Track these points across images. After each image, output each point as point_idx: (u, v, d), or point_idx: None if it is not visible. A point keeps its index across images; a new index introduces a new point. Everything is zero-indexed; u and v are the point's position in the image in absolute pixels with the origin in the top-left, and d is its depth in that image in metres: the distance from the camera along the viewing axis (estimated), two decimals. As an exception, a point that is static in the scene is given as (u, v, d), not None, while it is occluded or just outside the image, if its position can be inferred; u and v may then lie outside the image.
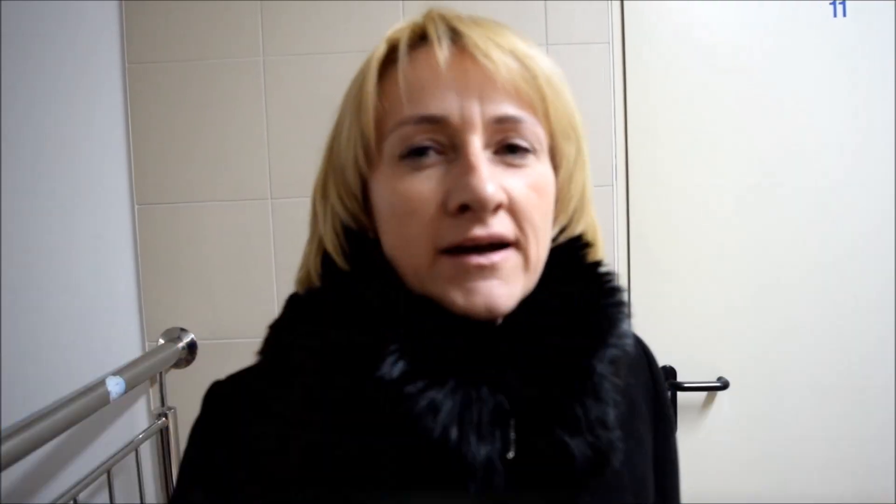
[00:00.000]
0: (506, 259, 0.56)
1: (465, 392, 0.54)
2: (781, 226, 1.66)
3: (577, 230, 0.65)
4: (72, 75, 1.63)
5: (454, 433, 0.52)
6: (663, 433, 0.76)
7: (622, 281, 0.65)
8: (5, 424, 1.09)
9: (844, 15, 1.63)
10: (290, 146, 1.63)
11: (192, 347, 1.65)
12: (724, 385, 1.65)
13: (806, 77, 1.65)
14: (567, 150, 0.62)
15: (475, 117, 0.56)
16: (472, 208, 0.54)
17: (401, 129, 0.57)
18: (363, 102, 0.60)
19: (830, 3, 1.63)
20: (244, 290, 1.65)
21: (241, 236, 1.65)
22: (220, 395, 0.66)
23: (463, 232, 0.55)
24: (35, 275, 1.65)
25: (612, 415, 0.58)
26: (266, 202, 1.64)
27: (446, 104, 0.56)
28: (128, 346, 1.66)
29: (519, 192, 0.57)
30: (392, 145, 0.58)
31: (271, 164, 1.64)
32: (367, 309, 0.57)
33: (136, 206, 1.64)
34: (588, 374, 0.58)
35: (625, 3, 1.64)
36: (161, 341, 1.64)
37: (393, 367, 0.53)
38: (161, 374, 1.60)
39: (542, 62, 0.59)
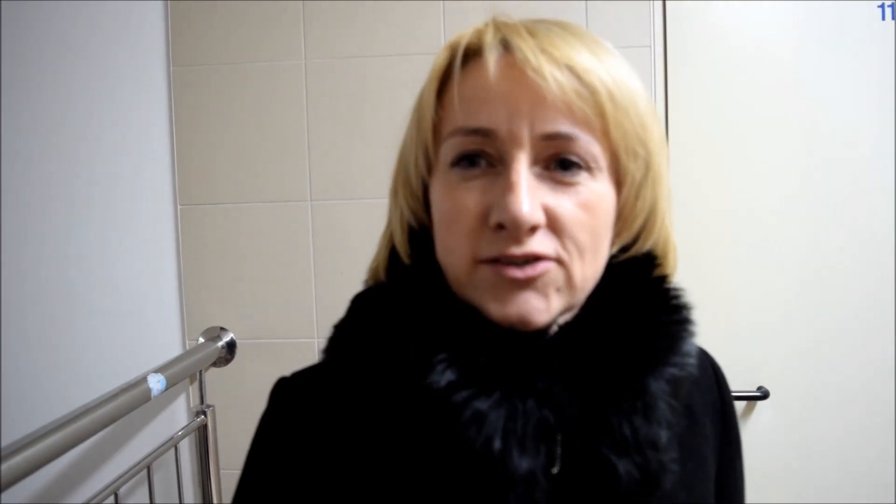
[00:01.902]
0: (543, 273, 0.55)
1: (510, 404, 0.54)
2: (824, 233, 1.62)
3: (644, 248, 0.63)
4: (119, 78, 1.67)
5: (497, 444, 0.52)
6: (729, 456, 0.73)
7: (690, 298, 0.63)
8: (50, 419, 1.11)
9: (893, 18, 1.59)
10: (331, 149, 1.65)
11: (231, 347, 1.67)
12: (764, 394, 1.62)
13: (852, 81, 1.61)
14: (632, 167, 0.58)
15: (522, 133, 0.55)
16: (508, 227, 0.54)
17: (453, 138, 0.57)
18: (423, 109, 0.61)
19: (879, 6, 1.60)
20: (283, 290, 1.67)
21: (280, 237, 1.66)
22: (286, 392, 0.67)
23: (500, 248, 0.55)
24: (80, 273, 1.69)
25: (663, 436, 0.57)
26: (306, 203, 1.65)
27: (495, 118, 0.55)
28: (169, 343, 1.69)
29: (565, 211, 0.55)
30: (445, 153, 0.58)
31: (311, 166, 1.65)
32: (419, 315, 0.58)
33: (179, 207, 1.67)
34: (639, 392, 0.57)
35: (667, 5, 1.62)
36: (201, 340, 1.67)
37: (442, 376, 0.54)
38: (201, 372, 1.62)
39: (606, 76, 0.56)
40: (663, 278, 0.64)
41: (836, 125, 1.62)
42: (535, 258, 0.55)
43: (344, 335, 0.66)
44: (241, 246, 1.67)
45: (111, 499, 1.27)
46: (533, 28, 0.57)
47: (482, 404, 0.53)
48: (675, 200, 1.70)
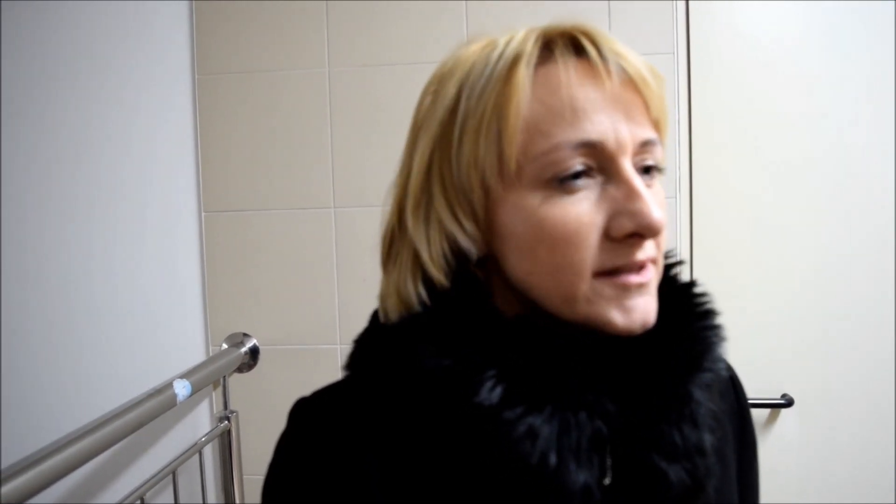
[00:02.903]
0: (653, 275, 0.57)
1: (562, 417, 0.53)
2: (851, 238, 1.61)
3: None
4: (144, 87, 1.69)
5: (553, 459, 0.52)
6: (747, 459, 0.74)
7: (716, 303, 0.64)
8: (75, 424, 1.13)
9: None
10: (354, 156, 1.65)
11: (254, 352, 1.68)
12: (788, 402, 1.60)
13: (873, 81, 1.59)
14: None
15: (627, 141, 0.55)
16: (642, 234, 0.54)
17: (555, 153, 0.54)
18: (507, 119, 0.55)
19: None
20: (306, 297, 1.68)
21: (304, 244, 1.67)
22: (306, 414, 0.64)
23: (625, 257, 0.55)
24: (104, 280, 1.71)
25: (708, 441, 0.58)
26: (329, 211, 1.66)
27: (603, 128, 0.54)
28: (192, 349, 1.70)
29: None
30: (540, 168, 0.55)
31: (335, 173, 1.66)
32: (465, 333, 0.56)
33: (203, 214, 1.69)
34: (686, 399, 0.57)
35: (690, 12, 1.61)
36: (224, 346, 1.68)
37: (491, 393, 0.53)
38: (224, 378, 1.63)
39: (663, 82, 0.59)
40: (692, 283, 0.65)
41: (860, 128, 1.60)
42: (646, 262, 0.56)
43: (369, 352, 0.64)
44: (265, 253, 1.68)
45: (137, 502, 1.28)
46: (605, 35, 0.58)
47: (535, 419, 0.53)
48: (702, 208, 1.68)
